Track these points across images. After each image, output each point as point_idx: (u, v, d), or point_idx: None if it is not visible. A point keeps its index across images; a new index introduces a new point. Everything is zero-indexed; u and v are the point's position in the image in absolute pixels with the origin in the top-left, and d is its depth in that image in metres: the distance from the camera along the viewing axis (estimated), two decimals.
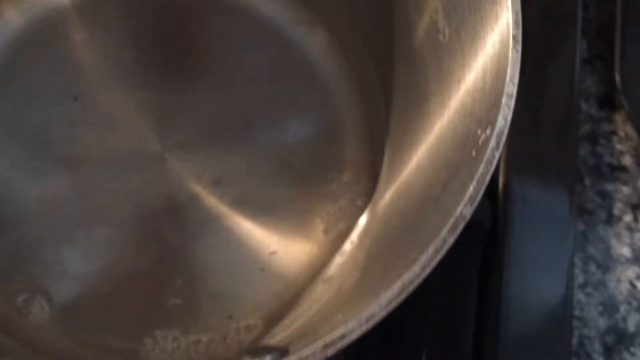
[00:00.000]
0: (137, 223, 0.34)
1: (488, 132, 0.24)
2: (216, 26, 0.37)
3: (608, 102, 0.44)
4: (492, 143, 0.24)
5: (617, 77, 0.43)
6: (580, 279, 0.42)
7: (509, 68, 0.25)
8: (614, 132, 0.44)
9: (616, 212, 0.43)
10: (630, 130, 0.43)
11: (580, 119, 0.43)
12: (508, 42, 0.25)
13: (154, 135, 0.35)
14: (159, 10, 0.37)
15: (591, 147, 0.44)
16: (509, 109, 0.24)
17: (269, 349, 0.28)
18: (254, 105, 0.37)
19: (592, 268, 0.42)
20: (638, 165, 0.43)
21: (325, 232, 0.35)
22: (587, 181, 0.43)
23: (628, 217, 0.43)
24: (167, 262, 0.34)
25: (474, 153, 0.24)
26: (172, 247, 0.34)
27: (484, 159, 0.23)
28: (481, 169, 0.23)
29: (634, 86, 0.43)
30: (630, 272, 0.42)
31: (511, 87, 0.24)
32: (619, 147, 0.44)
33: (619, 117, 0.44)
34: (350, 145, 0.37)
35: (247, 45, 0.37)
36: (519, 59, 0.25)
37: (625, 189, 0.43)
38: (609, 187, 0.43)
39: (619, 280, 0.42)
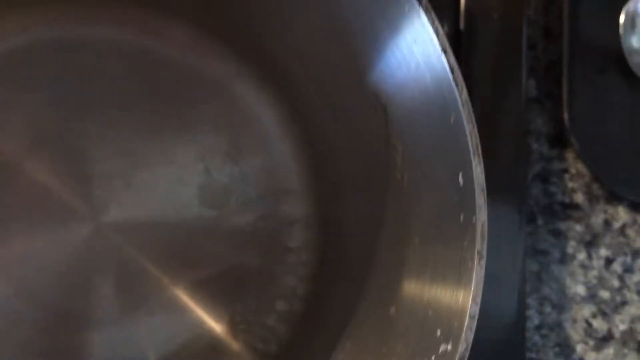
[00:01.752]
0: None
1: (449, 347, 0.24)
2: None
3: (558, 141, 0.44)
4: None
5: (566, 116, 0.43)
6: (535, 320, 0.42)
7: (472, 286, 0.25)
8: (565, 170, 0.44)
9: (570, 250, 0.43)
10: (581, 167, 0.43)
11: (532, 158, 0.44)
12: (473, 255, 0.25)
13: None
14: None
15: (543, 186, 0.44)
16: (471, 332, 0.24)
17: None
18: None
19: (548, 308, 0.42)
20: (590, 202, 0.43)
21: None
22: (540, 221, 0.43)
23: (582, 255, 0.43)
24: None
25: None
26: None
27: None
28: None
29: (583, 124, 0.43)
30: (586, 310, 0.42)
31: (474, 308, 0.24)
32: (570, 184, 0.44)
33: (570, 155, 0.44)
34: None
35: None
36: (483, 276, 0.25)
37: (578, 227, 0.43)
38: (562, 225, 0.43)
39: (574, 320, 0.42)
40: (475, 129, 0.26)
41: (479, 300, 0.25)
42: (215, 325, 0.36)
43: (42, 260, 0.35)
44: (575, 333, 0.42)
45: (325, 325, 0.34)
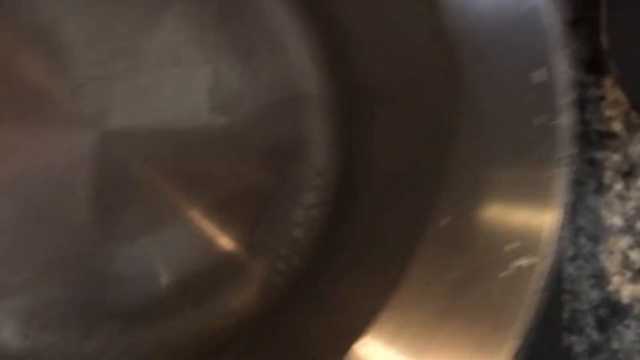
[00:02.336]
0: None
1: (525, 261, 0.21)
2: None
3: (596, 66, 0.42)
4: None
5: (604, 40, 0.41)
6: (570, 251, 0.40)
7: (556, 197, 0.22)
8: (602, 98, 0.42)
9: (606, 180, 0.41)
10: (619, 94, 0.41)
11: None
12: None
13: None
14: None
15: (579, 114, 0.42)
16: (554, 245, 0.22)
17: None
18: None
19: (583, 240, 0.40)
20: (628, 131, 0.41)
21: None
22: (576, 150, 0.41)
23: (619, 186, 0.41)
24: None
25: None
26: None
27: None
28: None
29: (622, 49, 0.41)
30: (623, 242, 0.40)
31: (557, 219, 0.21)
32: (608, 112, 0.42)
33: (607, 82, 0.42)
34: None
35: None
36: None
37: (616, 157, 0.41)
38: (598, 155, 0.41)
39: (611, 252, 0.40)
40: (558, 18, 0.23)
41: (562, 212, 0.23)
42: (232, 245, 0.34)
43: (48, 174, 0.32)
44: (611, 265, 0.40)
45: (350, 242, 0.32)
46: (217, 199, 0.34)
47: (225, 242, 0.34)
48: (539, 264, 0.22)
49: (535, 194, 0.24)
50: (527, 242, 0.23)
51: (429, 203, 0.26)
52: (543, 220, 0.23)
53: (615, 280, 0.40)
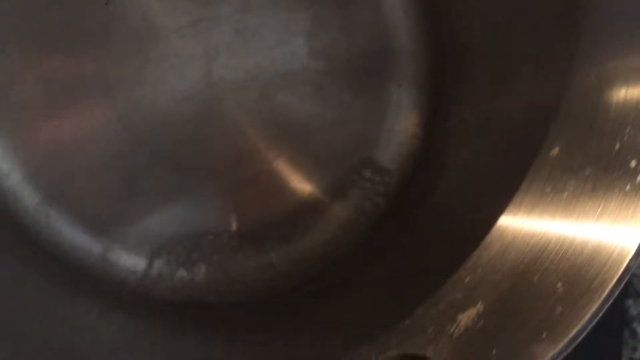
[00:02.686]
0: None
1: None
2: None
3: None
4: None
5: None
6: None
7: None
8: None
9: None
10: None
11: None
12: None
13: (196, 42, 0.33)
14: None
15: None
16: None
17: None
18: None
19: None
20: None
21: None
22: None
23: None
24: None
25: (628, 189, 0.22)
26: None
27: None
28: None
29: None
30: None
31: None
32: None
33: None
34: None
35: None
36: None
37: None
38: None
39: None
40: None
41: None
42: (315, 189, 0.35)
43: (155, 107, 0.33)
44: None
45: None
46: (303, 146, 0.35)
47: (308, 185, 0.35)
48: None
49: None
50: None
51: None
52: None
53: None
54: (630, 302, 0.41)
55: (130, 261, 0.33)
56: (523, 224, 0.25)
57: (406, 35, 0.35)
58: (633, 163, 0.22)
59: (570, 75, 0.25)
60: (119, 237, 0.33)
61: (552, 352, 0.20)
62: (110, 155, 0.33)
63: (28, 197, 0.32)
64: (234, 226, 0.34)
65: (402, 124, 0.35)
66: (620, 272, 0.20)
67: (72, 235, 0.33)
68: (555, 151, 0.25)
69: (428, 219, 0.32)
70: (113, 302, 0.32)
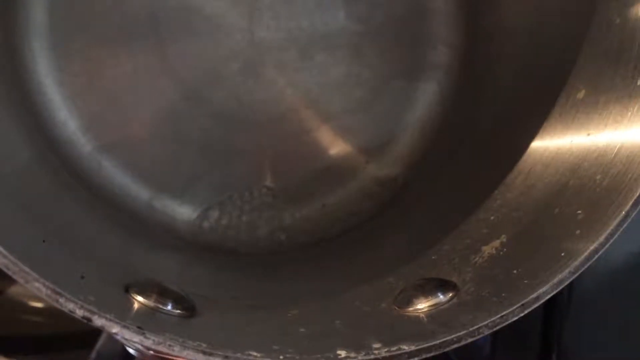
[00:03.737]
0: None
1: None
2: None
3: None
4: None
5: None
6: None
7: None
8: None
9: None
10: None
11: None
12: None
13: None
14: None
15: None
16: None
17: (440, 283, 0.24)
18: None
19: None
20: None
21: None
22: None
23: None
24: None
25: None
26: None
27: None
28: None
29: None
30: None
31: None
32: None
33: None
34: None
35: None
36: None
37: None
38: None
39: None
40: None
41: None
42: (352, 148, 0.37)
43: (202, 60, 0.35)
44: None
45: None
46: (340, 105, 0.36)
47: (345, 145, 0.37)
48: None
49: None
50: None
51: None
52: None
53: None
54: None
55: (175, 209, 0.35)
56: (545, 162, 0.26)
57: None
58: None
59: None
60: (165, 185, 0.35)
61: (570, 267, 0.21)
62: (160, 107, 0.35)
63: (83, 145, 0.35)
64: (271, 180, 0.36)
65: (434, 84, 0.36)
66: (637, 194, 0.21)
67: (121, 182, 0.35)
68: (581, 94, 0.26)
69: (456, 168, 0.33)
70: (161, 243, 0.34)
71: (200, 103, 0.36)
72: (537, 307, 0.37)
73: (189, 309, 0.22)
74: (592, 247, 0.21)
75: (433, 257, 0.27)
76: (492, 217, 0.27)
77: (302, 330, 0.22)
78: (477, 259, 0.25)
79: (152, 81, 0.35)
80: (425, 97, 0.37)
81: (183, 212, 0.35)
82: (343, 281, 0.28)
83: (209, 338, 0.20)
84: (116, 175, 0.35)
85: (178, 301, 0.22)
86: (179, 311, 0.22)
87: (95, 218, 0.31)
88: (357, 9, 0.36)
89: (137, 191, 0.35)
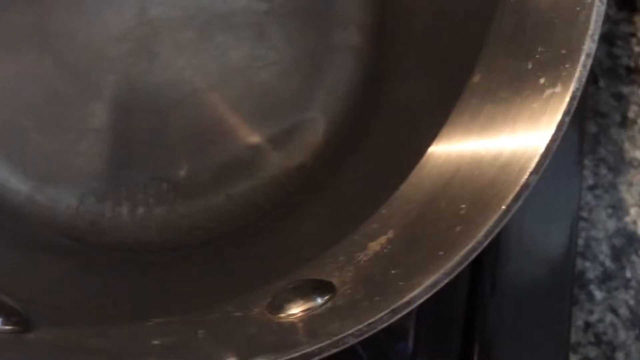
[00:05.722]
0: None
1: (557, 89, 0.21)
2: None
3: (626, 3, 0.42)
4: (564, 106, 0.20)
5: None
6: (589, 180, 0.40)
7: (591, 22, 0.21)
8: (632, 34, 0.42)
9: (631, 115, 0.41)
10: None
11: None
12: None
13: None
14: None
15: (608, 48, 0.42)
16: (585, 71, 0.21)
17: (317, 284, 0.22)
18: None
19: (603, 170, 0.40)
20: None
21: None
22: (602, 83, 0.41)
23: None
24: None
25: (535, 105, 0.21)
26: None
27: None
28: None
29: None
30: None
31: (591, 46, 0.21)
32: (637, 49, 0.42)
33: (638, 19, 0.42)
34: None
35: None
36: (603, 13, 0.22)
37: None
38: (625, 89, 0.41)
39: (630, 184, 0.40)
40: None
41: (596, 38, 0.22)
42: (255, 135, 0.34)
43: (89, 42, 0.33)
44: (630, 197, 0.40)
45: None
46: (243, 89, 0.34)
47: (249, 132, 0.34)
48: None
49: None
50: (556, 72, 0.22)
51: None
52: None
53: (633, 212, 0.40)
54: (587, 264, 0.39)
55: (57, 200, 0.32)
56: (442, 154, 0.24)
57: None
58: (542, 80, 0.21)
59: None
60: (49, 176, 0.32)
61: (444, 269, 0.19)
62: (45, 93, 0.32)
63: None
64: (167, 168, 0.33)
65: (342, 67, 0.34)
66: (517, 188, 0.19)
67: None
68: (477, 77, 0.24)
69: (360, 163, 0.31)
70: (42, 243, 0.31)
71: (87, 87, 0.33)
72: (459, 298, 0.36)
73: (21, 324, 0.19)
74: (469, 246, 0.19)
75: (323, 255, 0.25)
76: (384, 211, 0.25)
77: (155, 342, 0.20)
78: (361, 256, 0.23)
79: (31, 63, 0.32)
80: (333, 81, 0.34)
81: (66, 204, 0.32)
82: (225, 284, 0.25)
83: (43, 355, 0.17)
84: None
85: (8, 315, 0.19)
86: (9, 327, 0.19)
87: None
88: None
89: (16, 184, 0.32)
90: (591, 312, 0.39)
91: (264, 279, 0.24)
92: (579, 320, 0.39)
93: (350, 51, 0.34)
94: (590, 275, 0.40)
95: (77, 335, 0.20)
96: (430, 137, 0.25)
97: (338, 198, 0.30)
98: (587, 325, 0.39)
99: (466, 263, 0.19)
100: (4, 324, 0.19)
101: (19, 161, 0.32)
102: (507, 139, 0.21)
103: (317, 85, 0.34)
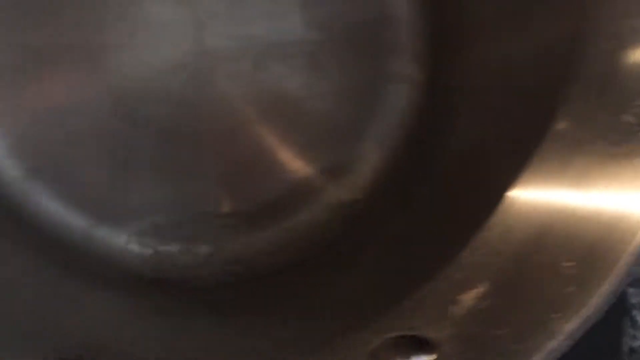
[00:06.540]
0: None
1: None
2: None
3: None
4: None
5: None
6: None
7: None
8: None
9: None
10: None
11: None
12: None
13: None
14: None
15: None
16: None
17: (417, 341, 0.22)
18: None
19: None
20: None
21: None
22: None
23: None
24: None
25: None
26: None
27: None
28: None
29: None
30: None
31: None
32: None
33: None
34: None
35: None
36: None
37: None
38: None
39: None
40: None
41: None
42: (309, 166, 0.34)
43: (144, 74, 0.32)
44: None
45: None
46: (297, 120, 0.34)
47: (302, 163, 0.34)
48: None
49: None
50: None
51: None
52: None
53: None
54: (631, 290, 0.40)
55: (115, 238, 0.31)
56: (527, 202, 0.24)
57: (403, 3, 0.34)
58: None
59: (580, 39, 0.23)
60: (105, 212, 0.31)
61: (565, 332, 0.18)
62: (97, 126, 0.31)
63: (10, 169, 0.31)
64: (223, 203, 0.33)
65: (398, 96, 0.34)
66: (633, 245, 0.19)
67: (55, 209, 0.31)
68: (563, 125, 0.24)
69: (428, 198, 0.30)
70: (100, 279, 0.30)
71: (142, 120, 0.32)
72: None
73: None
74: (591, 309, 0.19)
75: (404, 304, 0.24)
76: (467, 260, 0.24)
77: None
78: (454, 310, 0.22)
79: (88, 97, 0.31)
80: (390, 111, 0.34)
81: (124, 241, 0.31)
82: (307, 332, 0.25)
83: None
84: (48, 202, 0.31)
85: None
86: None
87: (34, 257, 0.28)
88: (315, 15, 0.33)
89: (73, 220, 0.31)
90: (635, 338, 0.39)
91: (343, 324, 0.24)
92: (623, 346, 0.39)
93: (405, 82, 0.34)
94: (634, 300, 0.40)
95: None
96: (507, 181, 0.25)
97: (400, 237, 0.30)
98: (632, 351, 0.39)
99: (586, 327, 0.18)
100: None
101: (72, 197, 0.31)
102: (608, 196, 0.21)
103: (372, 115, 0.34)
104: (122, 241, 0.31)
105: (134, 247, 0.31)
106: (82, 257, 0.31)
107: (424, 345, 0.21)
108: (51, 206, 0.31)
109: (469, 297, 0.22)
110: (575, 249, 0.21)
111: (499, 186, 0.25)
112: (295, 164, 0.34)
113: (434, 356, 0.20)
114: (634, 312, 0.40)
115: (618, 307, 0.39)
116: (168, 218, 0.32)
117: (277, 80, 0.33)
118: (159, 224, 0.32)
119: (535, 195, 0.24)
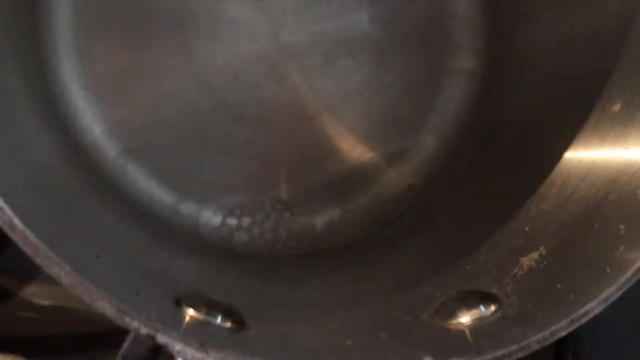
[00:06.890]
0: None
1: None
2: None
3: None
4: None
5: None
6: None
7: None
8: None
9: None
10: None
11: None
12: None
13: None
14: None
15: None
16: None
17: (481, 295, 0.24)
18: None
19: None
20: None
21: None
22: None
23: None
24: None
25: None
26: None
27: None
28: None
29: None
30: None
31: None
32: None
33: None
34: None
35: None
36: None
37: None
38: None
39: None
40: None
41: None
42: (372, 153, 0.37)
43: (228, 65, 0.36)
44: None
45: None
46: (362, 110, 0.37)
47: (366, 150, 0.37)
48: None
49: None
50: None
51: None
52: None
53: None
54: None
55: (199, 213, 0.35)
56: (581, 175, 0.27)
57: (466, 2, 0.37)
58: None
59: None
60: (189, 190, 0.35)
61: (616, 283, 0.21)
62: (184, 110, 0.35)
63: (107, 150, 0.34)
64: (292, 185, 0.36)
65: (456, 89, 0.37)
66: None
67: (146, 186, 0.35)
68: (617, 106, 0.27)
69: (480, 183, 0.33)
70: (185, 247, 0.34)
71: (224, 107, 0.36)
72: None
73: (238, 322, 0.22)
74: (638, 264, 0.21)
75: (467, 267, 0.27)
76: (527, 228, 0.27)
77: (349, 342, 0.22)
78: (516, 270, 0.25)
79: (177, 85, 0.35)
80: (448, 103, 0.37)
81: (207, 216, 0.35)
82: (373, 289, 0.28)
83: (267, 353, 0.20)
84: (141, 180, 0.35)
85: (227, 314, 0.22)
86: (229, 324, 0.22)
87: (130, 226, 0.31)
88: (381, 13, 0.36)
89: (162, 196, 0.35)
90: None
91: (411, 285, 0.27)
92: None
93: (464, 75, 0.37)
94: None
95: (281, 333, 0.23)
96: (560, 149, 0.28)
97: (461, 213, 0.33)
98: None
99: (635, 280, 0.21)
100: (223, 321, 0.22)
101: (162, 175, 0.35)
102: None
103: (433, 106, 0.37)
104: (202, 215, 0.35)
105: (214, 220, 0.35)
106: (169, 229, 0.34)
107: (488, 298, 0.24)
108: (143, 183, 0.35)
109: (529, 260, 0.25)
110: (626, 215, 0.23)
111: (554, 155, 0.28)
112: (358, 150, 0.37)
113: (497, 306, 0.23)
114: None
115: None
116: (244, 197, 0.35)
117: (344, 73, 0.36)
118: (235, 202, 0.35)
119: (591, 160, 0.27)
